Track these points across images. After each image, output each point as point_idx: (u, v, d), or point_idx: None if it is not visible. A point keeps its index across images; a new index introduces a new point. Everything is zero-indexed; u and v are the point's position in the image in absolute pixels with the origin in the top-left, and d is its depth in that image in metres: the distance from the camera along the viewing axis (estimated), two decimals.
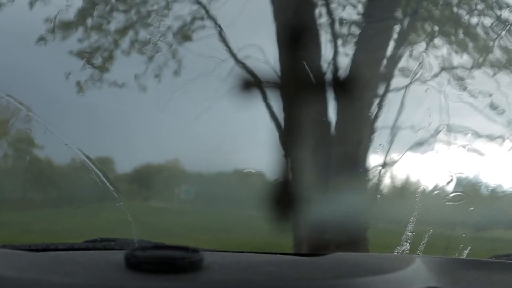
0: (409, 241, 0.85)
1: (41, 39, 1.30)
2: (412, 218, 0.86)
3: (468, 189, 1.01)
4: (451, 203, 0.96)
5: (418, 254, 0.85)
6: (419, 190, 0.94)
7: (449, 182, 0.98)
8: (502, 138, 1.04)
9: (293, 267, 0.59)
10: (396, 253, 0.87)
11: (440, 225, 0.96)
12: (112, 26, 1.41)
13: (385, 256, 0.73)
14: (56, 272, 0.52)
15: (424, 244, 0.84)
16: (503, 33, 1.18)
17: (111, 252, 0.70)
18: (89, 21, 1.39)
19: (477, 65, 1.23)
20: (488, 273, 0.69)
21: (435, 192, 0.99)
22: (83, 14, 1.37)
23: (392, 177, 1.12)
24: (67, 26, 1.35)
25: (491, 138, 1.04)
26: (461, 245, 0.85)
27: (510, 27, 1.18)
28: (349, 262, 0.65)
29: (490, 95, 1.12)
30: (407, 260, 0.64)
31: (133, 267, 0.54)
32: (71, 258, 0.59)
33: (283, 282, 0.54)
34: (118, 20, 1.42)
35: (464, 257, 0.85)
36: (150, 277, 0.52)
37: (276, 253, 0.77)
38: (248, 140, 1.36)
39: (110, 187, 0.86)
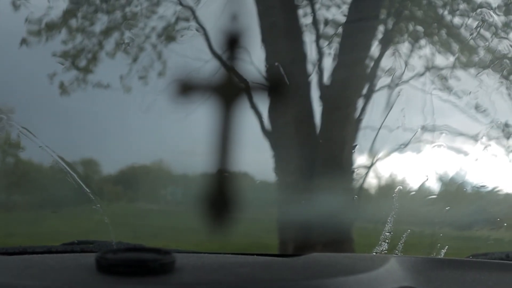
0: (387, 241, 0.85)
1: (24, 41, 1.29)
2: (389, 218, 0.86)
3: (448, 189, 1.01)
4: (430, 203, 0.96)
5: (397, 253, 0.86)
6: (396, 190, 0.94)
7: (428, 182, 0.99)
8: (480, 137, 1.05)
9: (266, 268, 0.59)
10: (375, 253, 0.87)
11: (419, 225, 0.96)
12: (96, 28, 1.41)
13: (360, 256, 0.73)
14: (25, 276, 0.52)
15: (402, 244, 0.84)
16: (481, 30, 1.19)
17: (84, 254, 0.69)
18: (73, 23, 1.38)
19: (458, 65, 1.24)
20: (463, 272, 0.69)
21: (415, 192, 1.00)
22: (66, 16, 1.37)
23: (373, 177, 1.13)
24: (49, 28, 1.34)
25: (468, 136, 1.05)
26: (439, 244, 0.85)
27: (483, 26, 1.19)
28: (322, 263, 0.65)
29: (469, 93, 1.13)
30: (381, 260, 0.64)
31: (104, 269, 0.54)
32: (43, 261, 0.59)
33: (254, 283, 0.54)
34: (102, 21, 1.42)
35: (442, 256, 0.86)
36: (121, 280, 0.52)
37: (253, 254, 0.77)
38: (236, 142, 1.35)
39: (87, 189, 0.86)
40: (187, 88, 0.42)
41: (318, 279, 0.56)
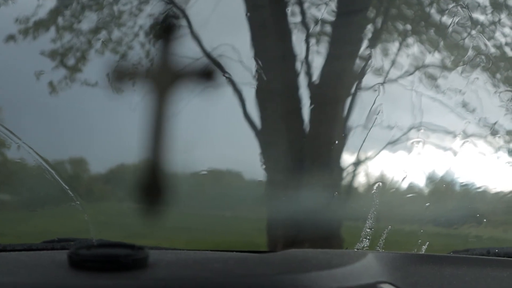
0: (368, 237, 0.85)
1: (10, 38, 1.29)
2: (370, 214, 0.86)
3: (431, 186, 1.01)
4: (412, 199, 0.96)
5: (378, 250, 0.86)
6: (376, 186, 0.94)
7: (411, 179, 0.99)
8: (463, 135, 1.05)
9: (241, 264, 0.59)
10: (356, 249, 0.87)
11: (404, 221, 0.96)
12: (84, 26, 1.41)
13: (337, 252, 0.73)
14: None
15: (383, 240, 0.84)
16: (467, 28, 1.19)
17: (59, 251, 0.69)
18: (60, 21, 1.38)
19: (444, 63, 1.24)
20: (441, 268, 0.69)
21: (398, 189, 1.00)
22: (53, 14, 1.37)
23: (360, 175, 1.13)
24: (36, 26, 1.34)
25: (450, 133, 1.05)
26: (420, 241, 0.85)
27: (457, 23, 1.19)
28: (298, 258, 0.65)
29: (451, 90, 1.13)
30: (357, 256, 0.64)
31: (76, 265, 0.54)
32: (17, 258, 0.59)
33: (227, 279, 0.54)
34: (90, 19, 1.42)
35: (422, 252, 0.86)
36: (92, 276, 0.52)
37: (232, 251, 0.77)
38: (223, 140, 1.36)
39: (66, 186, 0.86)
40: (122, 75, 0.42)
41: (292, 274, 0.56)
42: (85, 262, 0.54)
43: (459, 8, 1.17)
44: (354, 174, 1.12)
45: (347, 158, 1.13)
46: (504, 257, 0.81)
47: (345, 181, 1.15)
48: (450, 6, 1.21)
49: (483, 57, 1.10)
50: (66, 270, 0.53)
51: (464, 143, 1.00)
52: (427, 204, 0.94)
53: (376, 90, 1.09)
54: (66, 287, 0.50)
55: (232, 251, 0.77)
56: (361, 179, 1.11)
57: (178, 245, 1.06)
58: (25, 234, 1.23)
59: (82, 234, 0.95)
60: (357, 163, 1.10)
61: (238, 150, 1.36)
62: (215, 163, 1.29)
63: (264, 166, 1.29)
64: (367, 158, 1.09)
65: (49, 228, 1.27)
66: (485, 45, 1.12)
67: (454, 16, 1.18)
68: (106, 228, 1.09)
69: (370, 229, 0.85)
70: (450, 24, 1.18)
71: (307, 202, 1.15)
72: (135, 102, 1.30)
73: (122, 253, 0.54)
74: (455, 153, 1.02)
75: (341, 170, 1.16)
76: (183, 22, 1.38)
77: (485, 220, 0.95)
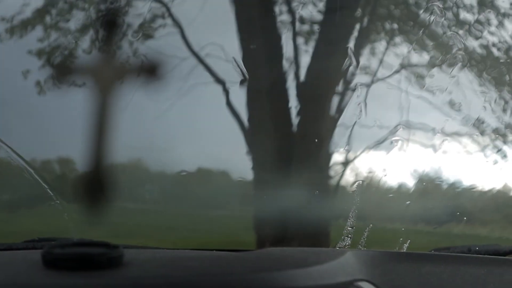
0: (350, 235, 0.85)
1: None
2: (352, 212, 0.86)
3: (420, 185, 1.01)
4: (395, 197, 0.96)
5: (359, 248, 0.86)
6: (356, 184, 0.95)
7: (397, 177, 0.99)
8: (444, 132, 1.05)
9: (216, 262, 0.59)
10: (338, 248, 0.87)
11: (386, 219, 0.96)
12: (71, 24, 1.40)
13: (314, 250, 0.73)
14: None
15: (365, 238, 0.85)
16: (454, 28, 1.20)
17: (34, 251, 0.69)
18: (46, 20, 1.38)
19: (433, 62, 1.24)
20: (420, 265, 0.69)
21: (383, 187, 1.00)
22: (40, 12, 1.36)
23: (345, 173, 1.13)
24: (24, 25, 1.33)
25: (432, 131, 1.06)
26: (401, 239, 0.85)
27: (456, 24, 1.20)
28: (274, 256, 0.65)
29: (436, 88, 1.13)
30: (335, 254, 0.64)
31: (50, 264, 0.54)
32: None
33: (201, 277, 0.53)
34: (77, 18, 1.41)
35: (404, 250, 0.86)
36: (66, 274, 0.52)
37: (211, 250, 0.77)
38: (212, 139, 1.35)
39: (45, 185, 0.86)
40: (65, 72, 0.42)
41: (267, 272, 0.56)
42: (58, 261, 0.53)
43: (435, 7, 1.17)
44: (341, 173, 1.12)
45: (333, 157, 1.13)
46: (484, 254, 0.81)
47: (332, 180, 1.15)
48: (435, 3, 1.21)
49: (464, 54, 1.10)
50: (39, 269, 0.53)
51: (448, 141, 1.00)
52: (407, 202, 0.94)
53: (360, 89, 1.09)
54: (37, 286, 0.50)
55: (211, 249, 0.77)
56: (348, 178, 1.11)
57: (164, 245, 1.06)
58: (10, 234, 1.23)
59: (66, 234, 0.94)
60: (344, 162, 1.10)
61: (225, 148, 1.36)
62: (202, 162, 1.28)
63: (251, 165, 1.29)
64: (353, 157, 1.09)
65: (34, 228, 1.26)
66: (465, 43, 1.13)
67: (437, 15, 1.18)
68: (89, 227, 1.09)
69: (352, 227, 0.85)
70: (432, 21, 1.18)
71: (294, 200, 1.15)
72: (123, 101, 1.30)
73: (96, 252, 0.54)
74: (438, 151, 1.02)
75: (328, 168, 1.16)
76: (170, 21, 1.38)
77: (465, 218, 0.95)
